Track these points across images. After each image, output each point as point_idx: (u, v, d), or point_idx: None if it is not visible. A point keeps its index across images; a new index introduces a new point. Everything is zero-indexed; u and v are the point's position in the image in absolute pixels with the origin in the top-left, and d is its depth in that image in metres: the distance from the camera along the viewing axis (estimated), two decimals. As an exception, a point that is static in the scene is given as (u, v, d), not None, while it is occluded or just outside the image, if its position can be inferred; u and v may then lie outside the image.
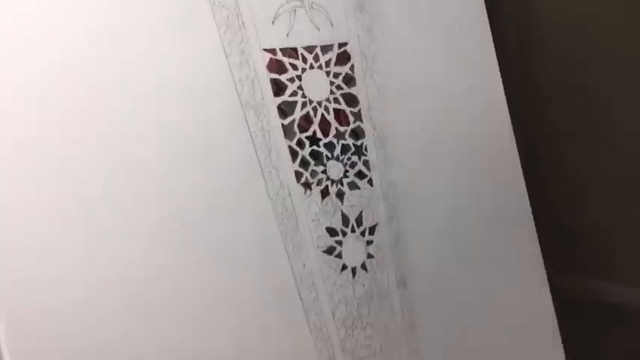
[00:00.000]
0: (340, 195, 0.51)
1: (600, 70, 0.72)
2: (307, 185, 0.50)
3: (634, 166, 0.71)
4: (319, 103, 0.51)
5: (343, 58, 0.53)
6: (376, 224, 0.53)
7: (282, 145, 0.50)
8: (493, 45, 0.60)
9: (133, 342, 0.43)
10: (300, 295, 0.49)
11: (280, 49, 0.50)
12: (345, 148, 0.52)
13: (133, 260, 0.43)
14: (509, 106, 0.60)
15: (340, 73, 0.53)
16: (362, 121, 0.53)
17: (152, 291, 0.44)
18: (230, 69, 0.48)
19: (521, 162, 0.61)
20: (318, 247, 0.50)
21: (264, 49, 0.50)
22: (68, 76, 0.43)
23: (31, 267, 0.40)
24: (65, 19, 0.43)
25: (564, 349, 0.59)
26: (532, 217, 0.60)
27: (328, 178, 0.51)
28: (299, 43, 0.51)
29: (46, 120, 0.42)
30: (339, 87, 0.53)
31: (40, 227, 0.41)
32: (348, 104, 0.53)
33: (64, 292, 0.41)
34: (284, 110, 0.50)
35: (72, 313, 0.41)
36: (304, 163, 0.50)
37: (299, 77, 0.51)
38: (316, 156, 0.51)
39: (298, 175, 0.50)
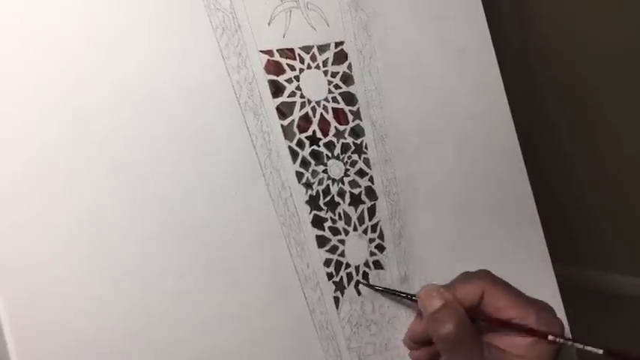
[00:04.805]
0: (342, 194, 0.52)
1: (600, 66, 0.72)
2: (309, 185, 0.50)
3: (632, 161, 0.72)
4: (318, 103, 0.52)
5: (340, 57, 0.53)
6: (378, 221, 0.53)
7: (283, 145, 0.50)
8: (491, 40, 0.60)
9: (138, 344, 0.43)
10: (304, 294, 0.49)
11: (277, 50, 0.51)
12: (345, 147, 0.52)
13: (135, 263, 0.43)
14: (508, 101, 0.60)
15: (338, 72, 0.53)
16: (361, 120, 0.53)
17: (155, 293, 0.44)
18: (228, 72, 0.48)
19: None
20: (321, 247, 0.50)
21: (261, 51, 0.50)
22: (66, 79, 0.43)
23: (32, 272, 0.41)
24: (62, 23, 0.43)
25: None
26: (536, 208, 0.61)
27: (329, 178, 0.51)
28: (296, 44, 0.51)
29: (45, 122, 0.42)
30: (337, 86, 0.53)
31: (38, 230, 0.41)
32: (347, 103, 0.53)
33: (66, 298, 0.41)
34: (283, 111, 0.50)
35: (74, 318, 0.41)
36: (305, 163, 0.50)
37: (297, 78, 0.51)
38: (317, 156, 0.51)
39: (299, 175, 0.50)
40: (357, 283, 0.51)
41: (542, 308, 0.50)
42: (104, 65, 0.44)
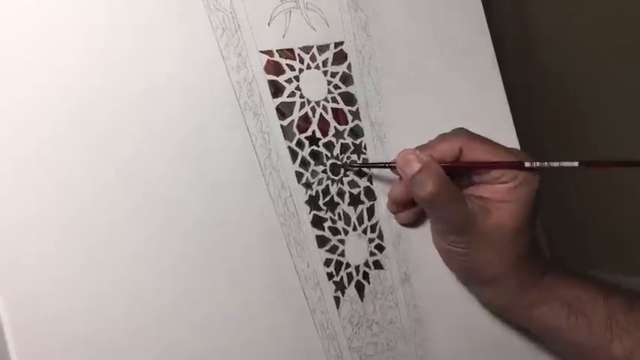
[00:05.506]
0: (341, 194, 0.52)
1: (600, 66, 0.72)
2: (308, 185, 0.50)
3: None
4: (317, 103, 0.52)
5: (340, 57, 0.53)
6: (377, 222, 0.53)
7: (282, 146, 0.50)
8: (491, 41, 0.60)
9: (138, 344, 0.43)
10: (305, 294, 0.49)
11: (277, 51, 0.51)
12: (344, 147, 0.52)
13: (134, 263, 0.43)
14: (508, 101, 0.61)
15: (337, 73, 0.53)
16: (360, 120, 0.53)
17: (155, 293, 0.44)
18: (228, 72, 0.48)
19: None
20: (321, 247, 0.50)
21: (261, 51, 0.50)
22: (65, 79, 0.43)
23: (32, 272, 0.41)
24: (61, 23, 0.43)
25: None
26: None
27: (329, 178, 0.51)
28: (295, 44, 0.52)
29: (43, 122, 0.42)
30: (336, 86, 0.53)
31: (36, 230, 0.41)
32: (346, 103, 0.53)
33: (66, 298, 0.41)
34: (282, 111, 0.50)
35: (75, 318, 0.41)
36: (304, 164, 0.50)
37: (296, 78, 0.51)
38: (316, 156, 0.51)
39: (299, 175, 0.50)
40: (360, 287, 0.51)
41: (518, 152, 0.53)
42: (102, 66, 0.44)
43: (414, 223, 0.54)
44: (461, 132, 0.52)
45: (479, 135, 0.52)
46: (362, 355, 0.51)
